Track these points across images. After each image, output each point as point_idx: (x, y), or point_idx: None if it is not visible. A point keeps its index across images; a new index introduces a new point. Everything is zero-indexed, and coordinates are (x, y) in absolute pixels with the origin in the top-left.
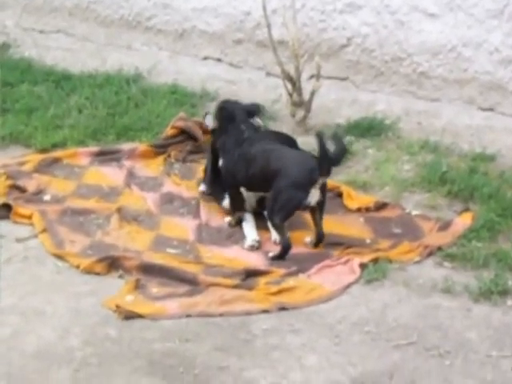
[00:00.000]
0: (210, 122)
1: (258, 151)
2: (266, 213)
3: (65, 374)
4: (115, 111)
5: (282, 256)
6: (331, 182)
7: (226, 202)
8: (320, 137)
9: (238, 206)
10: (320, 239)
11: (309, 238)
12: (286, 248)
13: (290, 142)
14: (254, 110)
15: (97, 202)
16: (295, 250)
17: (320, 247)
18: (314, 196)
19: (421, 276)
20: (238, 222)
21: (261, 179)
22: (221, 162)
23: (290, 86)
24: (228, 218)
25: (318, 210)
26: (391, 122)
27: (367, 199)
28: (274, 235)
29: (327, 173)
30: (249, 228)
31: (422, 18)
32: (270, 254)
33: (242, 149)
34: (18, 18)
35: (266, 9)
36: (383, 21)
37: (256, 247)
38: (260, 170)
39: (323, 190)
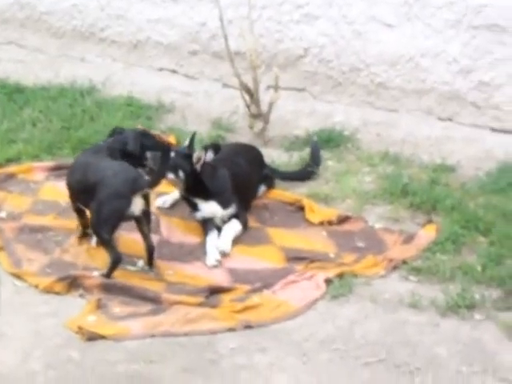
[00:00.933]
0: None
1: (80, 161)
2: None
3: None
4: (70, 124)
5: (111, 271)
6: (292, 195)
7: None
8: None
9: (80, 221)
10: (151, 254)
11: (141, 261)
12: (116, 262)
13: (255, 155)
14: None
15: (54, 219)
16: (258, 265)
17: (155, 266)
18: (137, 205)
19: (387, 290)
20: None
21: (80, 191)
22: None
23: (247, 98)
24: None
25: (144, 221)
26: (350, 133)
27: (329, 212)
28: (220, 244)
29: (155, 185)
30: (210, 248)
31: (380, 29)
32: (96, 273)
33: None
34: None
35: (223, 19)
36: (340, 31)
37: (218, 266)
38: (77, 183)
39: (147, 199)
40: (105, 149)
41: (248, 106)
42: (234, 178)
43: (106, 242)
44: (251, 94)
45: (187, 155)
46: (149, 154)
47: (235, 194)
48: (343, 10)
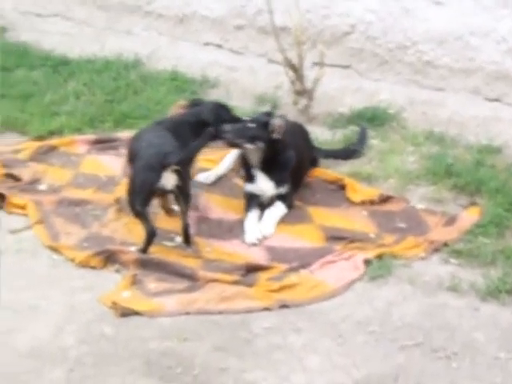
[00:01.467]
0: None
1: (135, 134)
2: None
3: (59, 374)
4: (113, 98)
5: (147, 245)
6: (334, 173)
7: None
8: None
9: None
10: (185, 231)
11: (179, 237)
12: (150, 235)
13: (306, 134)
14: None
15: (94, 193)
16: (297, 244)
17: (193, 242)
18: (168, 180)
19: (426, 273)
20: None
21: (131, 161)
22: None
23: (292, 74)
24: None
25: (180, 198)
26: (395, 111)
27: (371, 192)
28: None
29: (184, 163)
30: (250, 226)
31: (428, 5)
32: (133, 249)
33: None
34: (16, 1)
35: None
36: (388, 8)
37: (256, 244)
38: (129, 153)
39: (181, 174)
40: (167, 121)
41: (292, 82)
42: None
43: (139, 214)
44: (296, 70)
45: (265, 124)
46: (226, 127)
47: (290, 175)
48: None
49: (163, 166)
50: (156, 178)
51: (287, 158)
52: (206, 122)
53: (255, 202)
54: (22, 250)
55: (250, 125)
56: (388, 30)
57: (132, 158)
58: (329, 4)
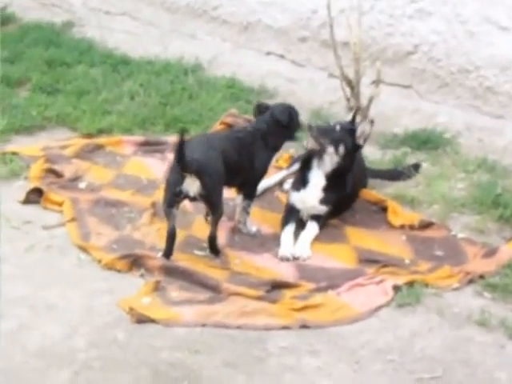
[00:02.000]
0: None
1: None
2: None
3: (64, 375)
4: (168, 101)
5: (168, 247)
6: (378, 195)
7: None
8: None
9: None
10: (210, 242)
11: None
12: (169, 236)
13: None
14: None
15: (132, 195)
16: (328, 264)
17: (222, 253)
18: (190, 185)
19: (457, 304)
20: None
21: None
22: None
23: (348, 90)
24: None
25: (206, 206)
26: (451, 136)
27: (412, 216)
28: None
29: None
30: (286, 240)
31: (494, 31)
32: (160, 254)
33: None
34: None
35: (330, 8)
36: (453, 30)
37: (289, 259)
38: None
39: (205, 182)
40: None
41: (348, 99)
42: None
43: (164, 213)
44: (352, 86)
45: (351, 130)
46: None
47: (338, 199)
48: (457, 8)
49: (183, 170)
50: (178, 181)
51: (344, 184)
52: (280, 122)
53: (294, 216)
54: (51, 247)
55: (337, 127)
56: (451, 52)
57: None
58: (393, 22)
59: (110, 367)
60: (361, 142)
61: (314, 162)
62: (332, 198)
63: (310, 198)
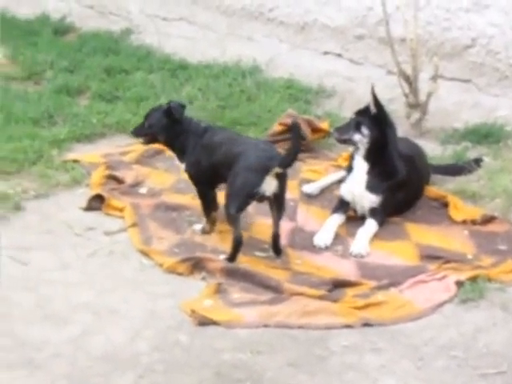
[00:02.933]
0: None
1: (224, 138)
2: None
3: (128, 379)
4: (226, 104)
5: (234, 253)
6: (438, 190)
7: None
8: (296, 127)
9: (212, 207)
10: (275, 241)
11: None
12: (236, 242)
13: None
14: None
15: (193, 199)
16: (390, 261)
17: (283, 253)
18: (269, 185)
19: None
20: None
21: (224, 165)
22: (183, 165)
23: (406, 87)
24: (198, 226)
25: (275, 206)
26: None
27: (474, 211)
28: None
29: (287, 165)
30: (327, 228)
31: None
32: (222, 257)
33: (204, 139)
34: (143, 4)
35: (385, 4)
36: (510, 22)
37: (321, 248)
38: (224, 155)
39: (281, 181)
40: None
41: (406, 95)
42: (407, 176)
43: (231, 218)
44: (410, 82)
45: (365, 109)
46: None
47: (391, 188)
48: None
49: (267, 169)
50: (258, 182)
51: (394, 169)
52: None
53: (343, 207)
54: (113, 252)
55: (352, 117)
56: (510, 44)
57: (228, 162)
58: (450, 16)
59: (173, 370)
60: (372, 109)
61: (355, 152)
62: (381, 185)
63: (356, 185)
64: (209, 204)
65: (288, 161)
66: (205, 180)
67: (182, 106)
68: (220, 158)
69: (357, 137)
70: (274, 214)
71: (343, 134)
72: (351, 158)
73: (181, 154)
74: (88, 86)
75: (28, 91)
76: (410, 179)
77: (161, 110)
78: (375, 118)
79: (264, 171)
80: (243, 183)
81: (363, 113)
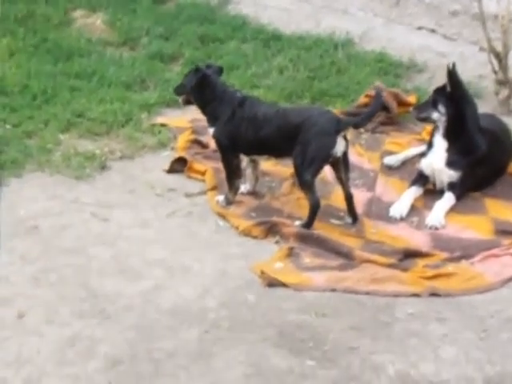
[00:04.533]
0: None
1: (270, 112)
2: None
3: (193, 333)
4: (316, 75)
5: (311, 218)
6: None
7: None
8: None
9: (236, 174)
10: (349, 202)
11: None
12: (315, 208)
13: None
14: (220, 71)
15: (274, 165)
16: (464, 234)
17: (356, 215)
18: (340, 145)
19: None
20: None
21: (278, 139)
22: (213, 130)
23: (496, 63)
24: (221, 197)
25: (342, 165)
26: None
27: None
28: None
29: (359, 126)
30: (404, 199)
31: None
32: (297, 223)
33: (245, 112)
34: None
35: None
36: None
37: (396, 219)
38: (278, 129)
39: (347, 141)
40: None
41: (495, 72)
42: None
43: (309, 185)
44: (500, 59)
45: (441, 88)
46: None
47: (471, 164)
48: None
49: (338, 131)
50: (333, 144)
51: (474, 145)
52: None
53: (422, 180)
54: (191, 214)
55: (433, 95)
56: None
57: (287, 134)
58: None
59: (238, 327)
60: (448, 88)
61: (435, 129)
62: (461, 161)
63: (436, 161)
64: (234, 171)
65: (361, 122)
66: (245, 151)
67: (218, 71)
68: (273, 132)
69: (435, 114)
70: (342, 174)
71: (421, 112)
72: (432, 134)
73: (212, 118)
74: (181, 53)
75: (123, 56)
76: (492, 155)
77: (192, 72)
78: (452, 96)
79: (336, 133)
80: (319, 148)
81: (441, 91)
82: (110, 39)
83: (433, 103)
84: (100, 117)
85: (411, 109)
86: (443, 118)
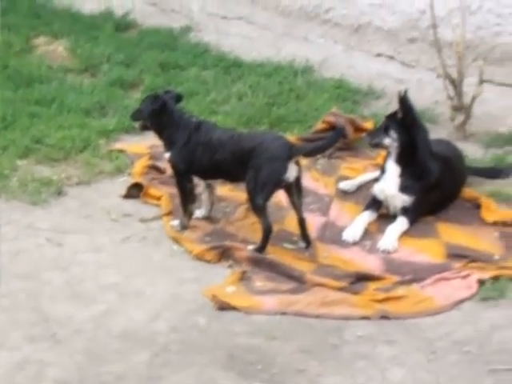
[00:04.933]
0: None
1: (225, 136)
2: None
3: (143, 357)
4: (274, 101)
5: (264, 242)
6: (472, 191)
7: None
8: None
9: (190, 199)
10: (302, 226)
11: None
12: (267, 232)
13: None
14: (179, 98)
15: (230, 191)
16: (416, 258)
17: (310, 240)
18: (292, 171)
19: None
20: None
21: (232, 164)
22: (169, 155)
23: (451, 89)
24: (176, 222)
25: (295, 190)
26: None
27: (506, 213)
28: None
29: (310, 155)
30: (358, 224)
31: None
32: (250, 247)
33: (201, 137)
34: (204, 3)
35: (433, 7)
36: None
37: (349, 243)
38: (232, 154)
39: (299, 166)
40: None
41: (451, 98)
42: (441, 177)
43: (260, 209)
44: (455, 85)
45: (392, 114)
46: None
47: (424, 189)
48: None
49: (290, 156)
50: (284, 169)
51: (427, 170)
52: None
53: (376, 205)
54: (146, 238)
55: (385, 121)
56: None
57: (239, 159)
58: (501, 21)
59: (188, 350)
60: (399, 114)
61: (388, 155)
62: (414, 186)
63: (389, 186)
64: (188, 196)
65: (312, 152)
66: (201, 175)
67: (176, 97)
68: (227, 156)
69: (386, 140)
70: (295, 199)
71: (374, 138)
72: (384, 159)
73: (168, 143)
74: (142, 79)
75: (83, 83)
76: (444, 180)
77: (149, 98)
78: (403, 122)
79: (288, 159)
80: (270, 173)
81: (392, 117)
82: (71, 66)
83: (385, 129)
84: (58, 143)
85: (364, 135)
86: (395, 144)
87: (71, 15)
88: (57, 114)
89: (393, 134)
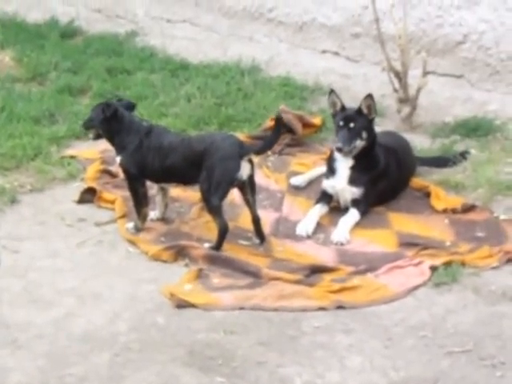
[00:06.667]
0: None
1: (175, 141)
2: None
3: (104, 358)
4: (223, 101)
5: (220, 241)
6: (421, 181)
7: (130, 225)
8: (278, 120)
9: (144, 202)
10: (257, 224)
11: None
12: (223, 231)
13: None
14: (131, 106)
15: (183, 191)
16: (369, 248)
17: (264, 237)
18: (244, 169)
19: (494, 283)
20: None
21: (184, 168)
22: (120, 159)
23: (396, 82)
24: (130, 224)
25: (249, 189)
26: (501, 122)
27: (455, 200)
28: (336, 235)
29: (261, 153)
30: (310, 217)
31: None
32: (206, 245)
33: (152, 142)
34: (149, 7)
35: (375, 2)
36: (501, 18)
37: (303, 237)
38: (183, 157)
39: (252, 165)
40: None
41: (396, 90)
42: (388, 167)
43: (216, 209)
44: (400, 78)
45: (358, 111)
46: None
47: (372, 181)
48: None
49: (242, 155)
50: (237, 167)
51: (373, 162)
52: None
53: (326, 198)
54: (102, 242)
55: (350, 125)
56: (500, 40)
57: (191, 161)
58: (442, 14)
59: (148, 349)
60: (372, 115)
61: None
62: (362, 178)
63: (338, 180)
64: (141, 200)
65: (262, 149)
66: (154, 179)
67: (127, 104)
68: (178, 160)
69: (360, 143)
70: (249, 197)
71: (347, 144)
72: (331, 155)
73: (119, 148)
74: (90, 85)
75: (31, 92)
76: (392, 170)
77: (100, 106)
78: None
79: (240, 157)
80: (224, 172)
81: (359, 117)
82: (18, 75)
83: (357, 133)
84: (9, 152)
85: (335, 147)
86: (363, 143)
87: (16, 25)
88: (6, 123)
89: (364, 135)
